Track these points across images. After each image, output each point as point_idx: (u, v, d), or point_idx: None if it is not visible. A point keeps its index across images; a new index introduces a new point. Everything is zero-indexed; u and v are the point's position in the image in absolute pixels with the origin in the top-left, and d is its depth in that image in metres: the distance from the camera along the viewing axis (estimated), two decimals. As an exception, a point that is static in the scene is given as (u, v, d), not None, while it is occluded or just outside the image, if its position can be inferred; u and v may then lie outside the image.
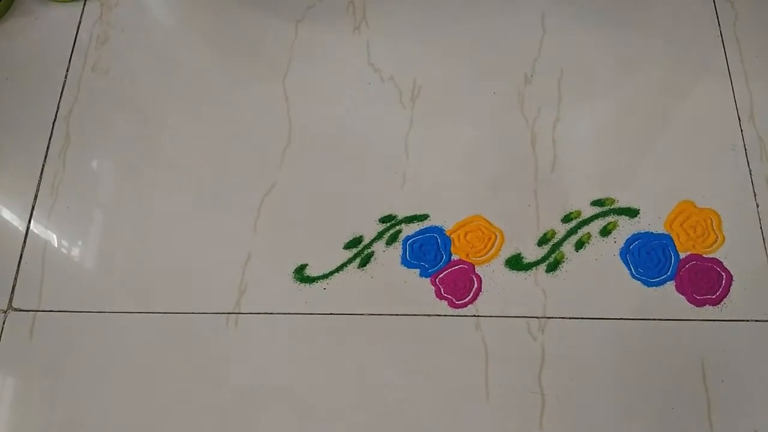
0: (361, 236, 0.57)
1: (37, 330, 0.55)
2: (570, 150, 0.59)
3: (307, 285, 0.55)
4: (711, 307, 0.53)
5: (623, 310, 0.53)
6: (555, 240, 0.56)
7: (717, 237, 0.55)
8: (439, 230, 0.57)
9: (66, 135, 0.62)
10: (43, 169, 0.61)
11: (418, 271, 0.55)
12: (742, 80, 0.61)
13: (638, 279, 0.54)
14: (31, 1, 0.70)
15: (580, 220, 0.56)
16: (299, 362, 0.53)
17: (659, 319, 0.53)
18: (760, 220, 0.56)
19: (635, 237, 0.55)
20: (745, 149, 0.59)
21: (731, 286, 0.53)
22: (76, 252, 0.58)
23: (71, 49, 0.67)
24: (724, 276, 0.54)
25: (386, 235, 0.57)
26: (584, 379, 0.51)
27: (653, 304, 0.53)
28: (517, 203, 0.57)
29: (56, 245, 0.58)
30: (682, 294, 0.53)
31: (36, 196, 0.60)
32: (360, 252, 0.56)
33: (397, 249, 0.56)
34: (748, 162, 0.58)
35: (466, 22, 0.65)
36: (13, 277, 0.57)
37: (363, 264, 0.56)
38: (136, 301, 0.55)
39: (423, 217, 0.57)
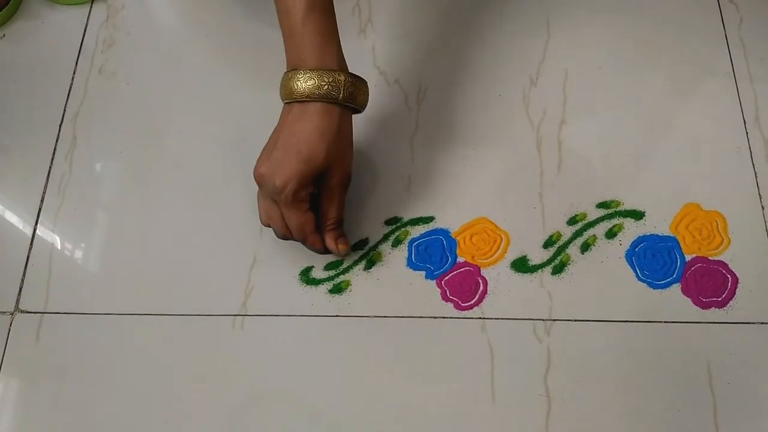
0: (366, 238, 0.57)
1: (44, 332, 0.55)
2: (575, 152, 0.59)
3: (313, 287, 0.55)
4: (717, 309, 0.53)
5: (629, 312, 0.53)
6: (561, 242, 0.56)
7: (723, 239, 0.55)
8: (444, 232, 0.57)
9: (73, 137, 0.63)
10: (50, 171, 0.61)
11: (423, 273, 0.55)
12: (747, 83, 0.62)
13: (644, 281, 0.54)
14: (37, 4, 0.70)
15: (586, 222, 0.56)
16: (305, 364, 0.53)
17: (665, 322, 0.53)
18: (765, 222, 0.56)
19: (641, 239, 0.55)
20: (751, 152, 0.59)
21: (737, 289, 0.53)
22: (83, 253, 0.58)
23: (78, 52, 0.67)
24: (730, 278, 0.54)
25: (392, 238, 0.57)
26: (590, 382, 0.51)
27: (659, 307, 0.53)
28: (522, 205, 0.57)
29: (63, 247, 0.58)
30: (687, 296, 0.53)
31: (43, 198, 0.60)
32: (366, 254, 0.56)
33: (402, 251, 0.56)
34: (753, 164, 0.58)
35: (471, 26, 0.66)
36: (20, 279, 0.57)
37: (369, 266, 0.56)
38: (142, 303, 0.55)
39: (428, 220, 0.57)
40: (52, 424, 0.52)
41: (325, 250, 0.54)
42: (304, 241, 0.53)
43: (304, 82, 0.48)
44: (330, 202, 0.52)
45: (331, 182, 0.51)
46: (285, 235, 0.53)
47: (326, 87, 0.48)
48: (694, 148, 0.59)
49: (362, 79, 0.51)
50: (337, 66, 0.50)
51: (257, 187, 0.53)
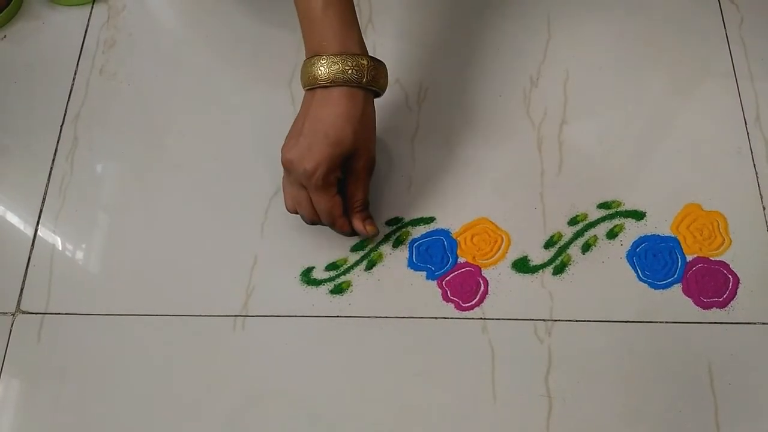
0: (367, 238, 0.57)
1: (45, 332, 0.55)
2: (576, 152, 0.59)
3: (314, 288, 0.55)
4: (718, 309, 0.53)
5: (630, 312, 0.53)
6: (561, 243, 0.56)
7: (724, 240, 0.55)
8: (445, 233, 0.57)
9: (74, 138, 0.63)
10: (51, 171, 0.61)
11: (424, 273, 0.55)
12: (748, 82, 0.62)
13: (645, 282, 0.54)
14: (38, 5, 0.70)
15: (587, 222, 0.56)
16: (306, 365, 0.53)
17: (666, 322, 0.53)
18: (766, 222, 0.56)
19: (642, 240, 0.55)
20: (752, 152, 0.59)
21: (738, 289, 0.53)
22: (84, 254, 0.58)
23: (79, 53, 0.67)
24: (731, 279, 0.54)
25: (393, 238, 0.57)
26: (591, 382, 0.51)
27: (660, 307, 0.53)
28: (523, 206, 0.57)
29: (64, 247, 0.58)
30: (688, 297, 0.53)
31: (44, 199, 0.60)
32: (367, 255, 0.56)
33: (403, 252, 0.56)
34: (754, 164, 0.58)
35: (472, 26, 0.66)
36: (21, 280, 0.57)
37: (370, 267, 0.56)
38: (143, 303, 0.55)
39: (429, 220, 0.57)
40: (53, 425, 0.52)
41: (353, 233, 0.54)
42: (332, 225, 0.53)
43: (328, 67, 0.48)
44: (356, 185, 0.53)
45: (356, 166, 0.52)
46: (313, 219, 0.53)
47: (350, 71, 0.49)
48: (694, 149, 0.59)
49: (382, 62, 0.52)
50: (360, 50, 0.50)
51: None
